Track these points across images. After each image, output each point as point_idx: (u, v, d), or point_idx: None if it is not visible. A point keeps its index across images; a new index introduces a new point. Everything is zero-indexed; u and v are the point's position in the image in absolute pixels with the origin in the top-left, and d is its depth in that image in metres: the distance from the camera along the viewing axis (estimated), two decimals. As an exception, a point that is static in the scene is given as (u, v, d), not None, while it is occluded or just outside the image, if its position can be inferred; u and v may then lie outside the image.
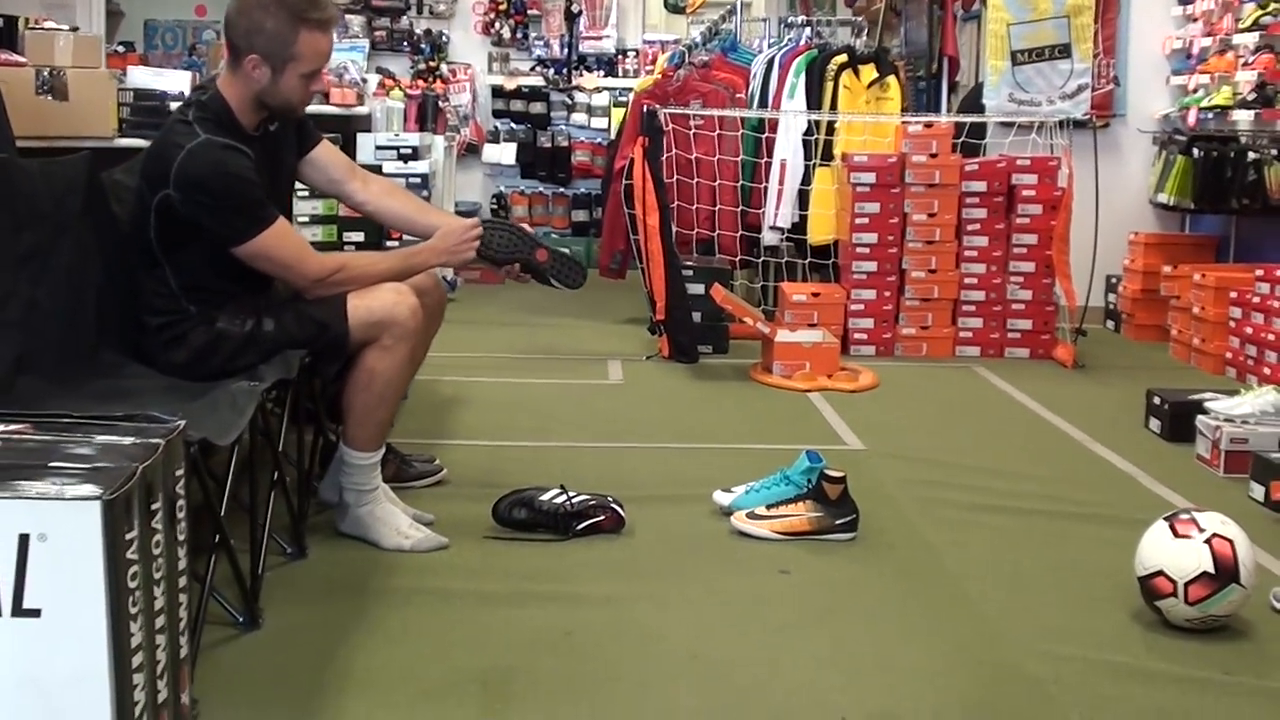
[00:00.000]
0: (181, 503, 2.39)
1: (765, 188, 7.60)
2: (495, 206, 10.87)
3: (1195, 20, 7.90)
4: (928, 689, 2.98)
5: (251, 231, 3.53)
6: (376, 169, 7.55)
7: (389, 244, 7.33)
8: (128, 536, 2.13)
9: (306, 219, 7.73)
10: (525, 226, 4.10)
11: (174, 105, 7.21)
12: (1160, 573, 3.29)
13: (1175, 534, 3.31)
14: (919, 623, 3.37)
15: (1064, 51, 7.51)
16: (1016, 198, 7.05)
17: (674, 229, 7.03)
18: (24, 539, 2.06)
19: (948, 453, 5.03)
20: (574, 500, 3.97)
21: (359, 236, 7.69)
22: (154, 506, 2.24)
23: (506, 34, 10.86)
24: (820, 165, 7.50)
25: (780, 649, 3.19)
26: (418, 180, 8.00)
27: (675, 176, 7.38)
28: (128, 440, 2.33)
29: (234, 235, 3.54)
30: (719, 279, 6.88)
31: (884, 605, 3.49)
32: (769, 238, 7.59)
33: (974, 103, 7.94)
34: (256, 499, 3.47)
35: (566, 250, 4.19)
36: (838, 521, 3.97)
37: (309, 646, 3.13)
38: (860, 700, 2.93)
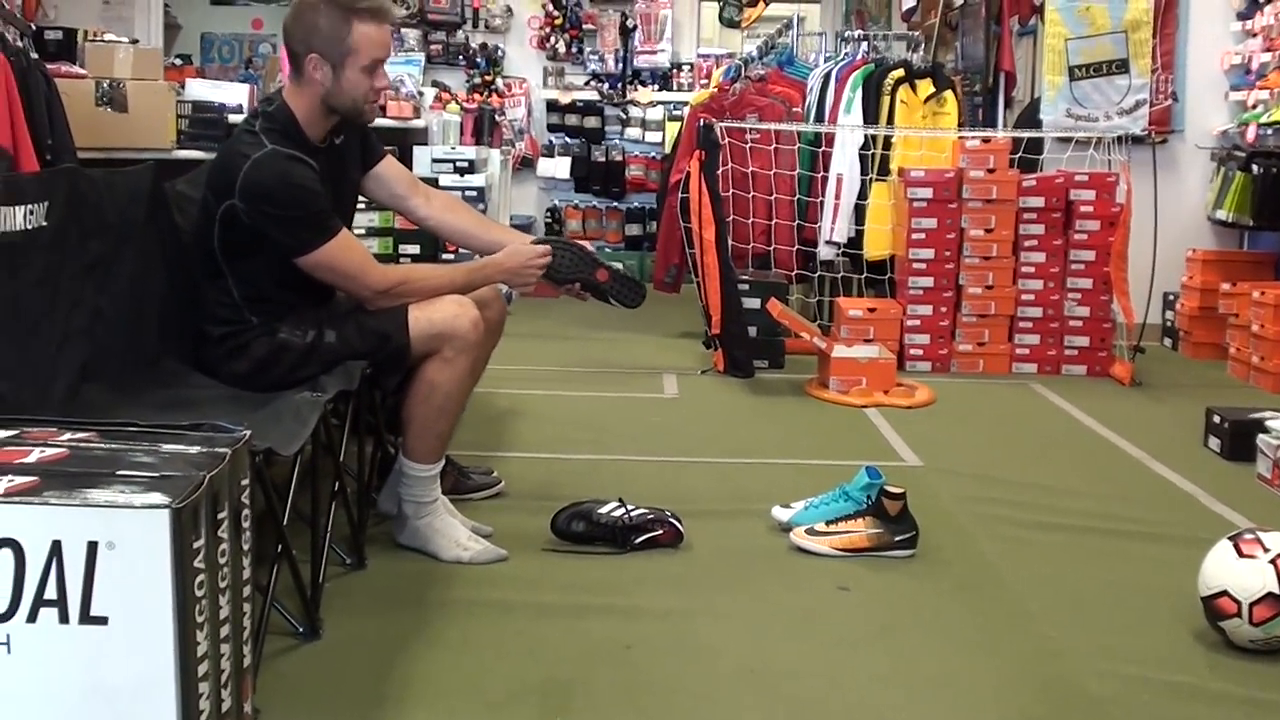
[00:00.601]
0: (246, 512, 2.38)
1: (821, 202, 7.56)
2: (549, 221, 10.86)
3: (1254, 35, 7.82)
4: (988, 707, 2.95)
5: (315, 242, 3.53)
6: (433, 182, 7.41)
7: (445, 256, 7.35)
8: (195, 545, 2.13)
9: (363, 231, 7.60)
10: (587, 245, 4.08)
11: (231, 118, 7.44)
12: (1224, 593, 3.23)
13: (1240, 554, 3.26)
14: (979, 640, 3.34)
15: (1122, 67, 7.41)
16: (1074, 214, 7.00)
17: (730, 243, 7.01)
18: (92, 546, 2.05)
19: (1005, 469, 4.98)
20: (632, 514, 3.96)
21: (415, 249, 7.69)
22: (220, 516, 2.24)
23: (561, 48, 10.86)
24: (877, 180, 7.45)
25: (839, 665, 3.16)
26: (474, 193, 7.99)
27: (731, 190, 7.33)
28: (194, 449, 2.32)
29: (297, 245, 3.54)
30: (775, 293, 6.86)
31: (944, 622, 3.46)
32: (825, 252, 7.56)
33: (1031, 118, 7.86)
34: (317, 509, 3.46)
35: (622, 267, 4.18)
36: (897, 538, 3.95)
37: (369, 657, 3.12)
38: (920, 717, 2.90)
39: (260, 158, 3.50)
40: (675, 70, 10.91)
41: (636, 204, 10.88)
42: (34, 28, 7.65)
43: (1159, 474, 5.00)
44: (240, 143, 3.58)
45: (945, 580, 3.78)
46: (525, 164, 10.73)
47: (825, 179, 7.57)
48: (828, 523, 4.01)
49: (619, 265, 4.21)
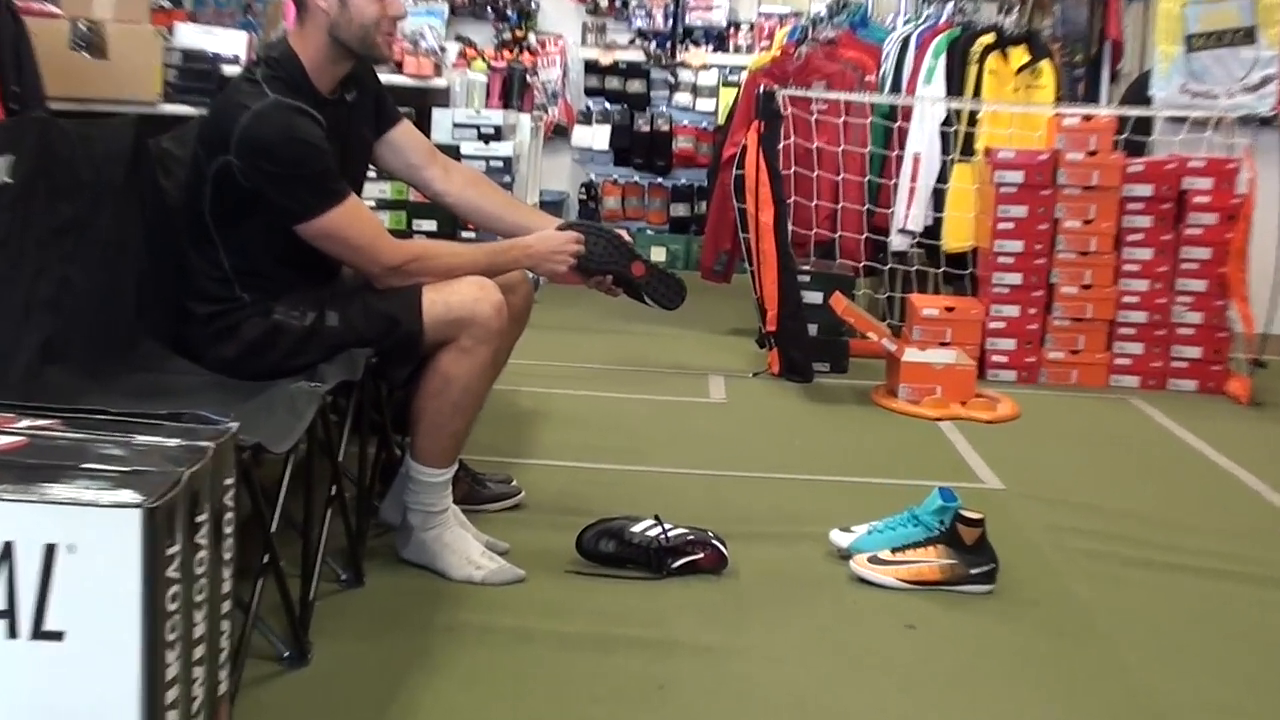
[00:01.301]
0: (229, 516, 2.36)
1: (895, 184, 7.51)
2: (584, 198, 10.84)
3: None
4: (1076, 770, 2.97)
5: (319, 207, 3.54)
6: (454, 150, 7.68)
7: (465, 235, 7.34)
8: (169, 552, 2.11)
9: (373, 203, 7.64)
10: (624, 234, 4.08)
11: (226, 69, 7.36)
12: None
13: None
14: (1065, 692, 3.31)
15: (1248, 36, 7.34)
16: (1187, 205, 6.91)
17: (790, 228, 6.97)
18: (50, 550, 2.04)
19: (1100, 497, 4.96)
20: (669, 534, 3.95)
21: (431, 225, 7.64)
22: (199, 519, 2.22)
23: (604, 2, 10.83)
24: (959, 161, 7.38)
25: (906, 714, 3.15)
26: (499, 164, 8.01)
27: (793, 168, 7.28)
28: (172, 442, 2.31)
29: (300, 210, 3.55)
30: (840, 287, 6.80)
31: (1025, 669, 3.44)
32: (898, 242, 7.51)
33: (1139, 94, 7.77)
34: (311, 517, 3.46)
35: (662, 264, 4.17)
36: (974, 571, 3.93)
37: (363, 687, 3.11)
38: (998, 779, 2.92)
39: (262, 109, 3.48)
40: (732, 30, 10.73)
41: (684, 181, 10.80)
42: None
43: None
44: (239, 92, 3.58)
45: (1027, 622, 3.75)
46: (559, 132, 10.69)
47: (900, 158, 7.51)
48: (894, 550, 4.00)
49: (659, 260, 4.21)
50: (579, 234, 3.96)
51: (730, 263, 8.02)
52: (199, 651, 2.25)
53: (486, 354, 3.74)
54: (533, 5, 10.69)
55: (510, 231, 4.04)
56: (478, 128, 8.19)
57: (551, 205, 10.17)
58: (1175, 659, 3.54)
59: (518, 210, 4.20)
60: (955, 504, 4.03)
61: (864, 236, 7.52)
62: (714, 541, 3.99)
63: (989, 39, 7.53)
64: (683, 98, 10.78)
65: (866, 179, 7.59)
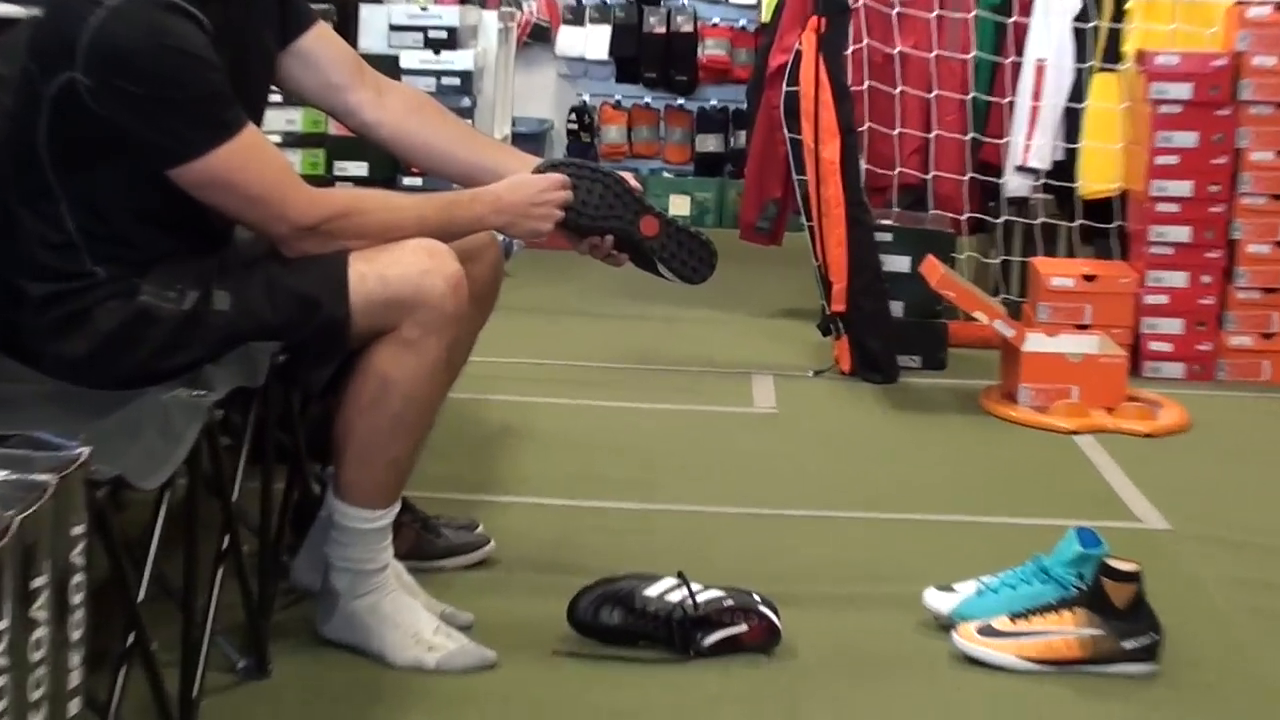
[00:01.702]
0: (79, 580, 2.35)
1: (1010, 104, 7.57)
2: (575, 128, 10.92)
3: None
4: None
5: (203, 143, 3.49)
6: (390, 64, 7.62)
7: (407, 183, 7.41)
8: (-9, 631, 2.13)
9: (278, 139, 7.49)
10: (630, 178, 4.09)
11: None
12: None
13: None
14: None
15: None
16: None
17: (863, 166, 7.03)
18: None
19: (1305, 540, 5.05)
20: (698, 598, 3.93)
21: (359, 168, 7.70)
22: (35, 584, 2.21)
23: None
24: (1101, 70, 7.45)
25: None
26: (454, 82, 8.03)
27: (866, 82, 7.36)
28: (-4, 477, 2.36)
29: (175, 148, 3.49)
30: (935, 249, 6.85)
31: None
32: (1015, 185, 7.62)
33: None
34: (194, 580, 3.39)
35: (686, 220, 4.17)
36: (1127, 644, 3.89)
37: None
38: None
39: (120, 5, 3.40)
40: (780, -111, 10.96)
41: (714, 103, 10.92)
42: None
43: None
44: (87, -18, 3.53)
45: (1205, 713, 3.73)
46: (538, 36, 10.79)
47: (1017, 67, 7.58)
48: (1014, 617, 3.98)
49: (680, 216, 4.19)
50: (566, 178, 3.96)
51: (780, 217, 8.11)
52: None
53: (439, 348, 3.73)
54: None
55: (470, 176, 4.06)
56: (424, 31, 8.19)
57: (528, 140, 10.21)
58: None
59: (480, 146, 4.21)
60: (1100, 551, 4.02)
61: (967, 178, 7.61)
62: (760, 608, 3.97)
63: (1140, -101, 7.67)
64: (711, -13, 10.91)
65: (970, 96, 7.67)
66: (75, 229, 3.58)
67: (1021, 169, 7.63)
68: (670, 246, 4.03)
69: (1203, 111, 7.01)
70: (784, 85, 7.33)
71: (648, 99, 11.03)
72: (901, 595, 4.29)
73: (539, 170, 3.98)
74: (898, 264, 6.96)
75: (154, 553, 3.15)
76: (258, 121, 3.79)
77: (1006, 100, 7.67)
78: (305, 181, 3.77)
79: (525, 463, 5.52)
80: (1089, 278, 6.97)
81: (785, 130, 7.35)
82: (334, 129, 7.49)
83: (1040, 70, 7.58)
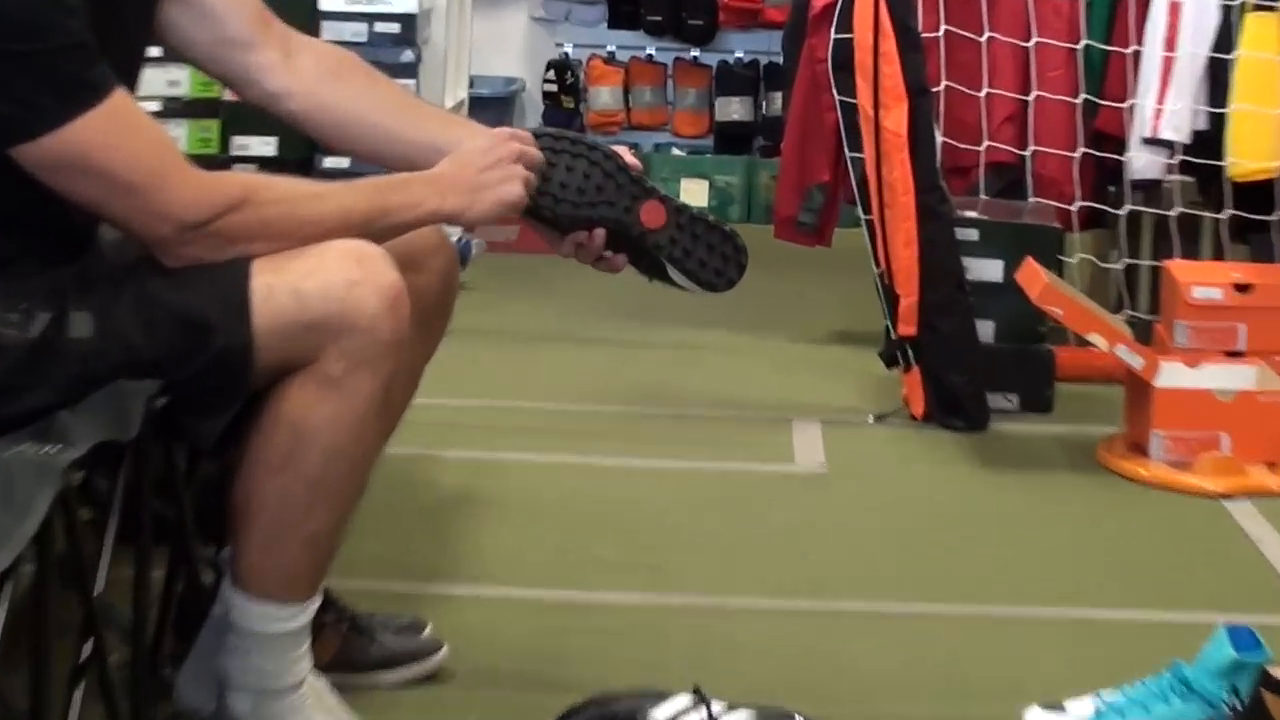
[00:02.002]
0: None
1: (1136, 55, 7.60)
2: (554, 88, 11.24)
3: None
4: None
5: (59, 111, 3.42)
6: (306, 9, 8.10)
7: (327, 165, 7.74)
8: None
9: (157, 105, 7.88)
10: (625, 152, 4.00)
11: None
12: None
13: None
14: None
15: None
16: None
17: (939, 139, 7.10)
18: None
19: None
20: (722, 723, 3.63)
21: (265, 145, 8.00)
22: None
23: None
24: (1256, 9, 7.40)
25: None
26: (391, 29, 8.33)
27: (944, 26, 7.46)
28: None
29: (20, 116, 3.42)
30: (1036, 249, 6.76)
31: None
32: (1143, 164, 7.57)
33: None
34: (44, 700, 3.32)
35: (703, 210, 4.12)
36: (1299, 785, 3.67)
37: None
38: None
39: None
40: None
41: (739, 55, 11.31)
42: None
43: None
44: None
45: None
46: (504, -31, 10.75)
47: (1145, 6, 7.61)
48: (1147, 746, 3.80)
49: (696, 206, 4.21)
50: (534, 151, 3.89)
51: (829, 208, 8.07)
52: None
53: (372, 386, 3.65)
54: None
55: (409, 160, 3.98)
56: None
57: (490, 106, 10.58)
58: None
59: (423, 118, 4.15)
60: (1260, 657, 3.99)
61: (1078, 154, 7.64)
62: (807, 735, 3.75)
63: None
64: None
65: (1082, 45, 7.73)
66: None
67: (1151, 141, 7.57)
68: (683, 242, 3.96)
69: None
70: (832, 31, 7.25)
71: (651, 50, 11.32)
72: (994, 714, 4.33)
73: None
74: (987, 270, 6.92)
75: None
76: (131, 86, 3.72)
77: (1130, 50, 7.62)
78: (193, 164, 3.68)
79: (490, 541, 5.47)
80: (1242, 288, 6.72)
81: (835, 92, 7.23)
82: (229, 95, 7.70)
83: (1175, 8, 7.52)
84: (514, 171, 3.83)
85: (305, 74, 4.05)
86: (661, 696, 4.01)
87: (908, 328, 6.87)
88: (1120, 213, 7.70)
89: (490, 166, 3.84)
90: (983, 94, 7.65)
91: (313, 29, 7.61)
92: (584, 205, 3.89)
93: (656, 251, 3.93)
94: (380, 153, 4.10)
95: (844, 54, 7.08)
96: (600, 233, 3.91)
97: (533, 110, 11.16)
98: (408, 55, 8.14)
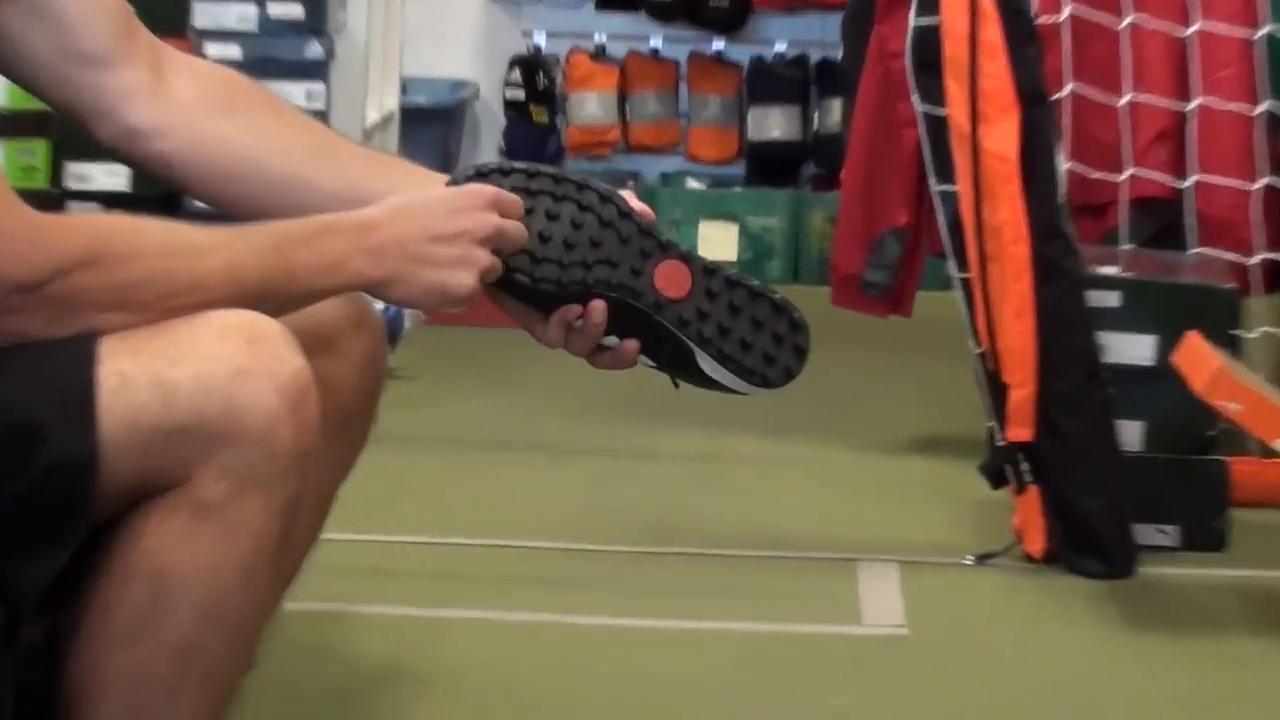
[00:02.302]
0: None
1: None
2: (521, 97, 10.45)
3: None
4: None
5: None
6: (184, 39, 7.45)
7: (201, 205, 7.11)
8: None
9: None
10: (630, 197, 3.32)
11: None
12: None
13: None
14: None
15: None
16: None
17: (1064, 166, 6.38)
18: None
19: None
20: None
21: (113, 177, 7.52)
22: None
23: None
24: None
25: None
26: (289, 17, 7.78)
27: (1067, 8, 6.91)
28: None
29: None
30: (1203, 319, 6.19)
31: None
32: None
33: None
34: None
35: (740, 270, 3.60)
36: None
37: None
38: None
39: None
40: None
41: (782, 47, 10.63)
42: None
43: None
44: None
45: None
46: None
47: None
48: None
49: (728, 264, 4.02)
50: (504, 193, 3.38)
51: (908, 262, 7.37)
52: None
53: (264, 518, 3.31)
54: None
55: (321, 204, 3.57)
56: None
57: (430, 119, 9.94)
58: None
59: (343, 160, 3.72)
60: None
61: (1260, 185, 6.96)
62: None
63: None
64: None
65: (1261, 33, 7.15)
66: None
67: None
68: (716, 316, 3.30)
69: None
70: (911, 13, 6.62)
71: (656, 42, 10.75)
72: None
73: (453, 184, 3.42)
74: (1132, 349, 6.30)
75: None
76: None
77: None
78: (23, 201, 3.23)
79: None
80: None
81: (916, 99, 6.59)
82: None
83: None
84: (474, 257, 3.44)
85: (181, 103, 3.73)
86: None
87: (1021, 431, 6.24)
88: (1320, 270, 6.72)
89: (448, 237, 3.46)
90: (1122, 102, 7.12)
91: (183, 13, 7.50)
92: (574, 267, 3.42)
93: (681, 330, 3.35)
94: (284, 210, 3.65)
95: (928, 46, 6.56)
96: (599, 307, 3.39)
97: (490, 125, 10.71)
98: (314, 50, 7.72)
